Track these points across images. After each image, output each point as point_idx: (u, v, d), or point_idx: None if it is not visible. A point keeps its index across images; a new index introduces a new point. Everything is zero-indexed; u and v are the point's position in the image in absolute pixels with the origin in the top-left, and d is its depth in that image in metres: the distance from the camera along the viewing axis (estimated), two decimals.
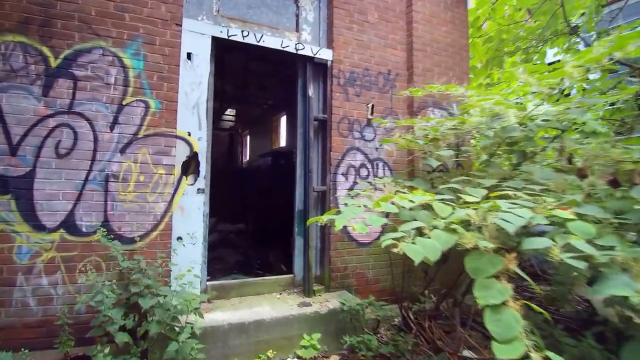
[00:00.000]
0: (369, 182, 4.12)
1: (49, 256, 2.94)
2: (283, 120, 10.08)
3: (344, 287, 4.05)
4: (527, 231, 2.29)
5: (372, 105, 4.34)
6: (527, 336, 1.70)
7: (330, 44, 4.29)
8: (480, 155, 4.68)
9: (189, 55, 3.59)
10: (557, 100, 3.46)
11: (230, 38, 3.79)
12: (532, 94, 4.02)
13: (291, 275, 4.15)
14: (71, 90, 3.07)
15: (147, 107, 3.29)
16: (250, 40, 3.88)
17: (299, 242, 4.18)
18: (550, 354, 1.69)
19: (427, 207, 2.60)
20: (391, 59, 4.56)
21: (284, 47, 4.04)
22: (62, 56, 3.05)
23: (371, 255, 4.22)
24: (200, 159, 3.58)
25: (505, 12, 6.55)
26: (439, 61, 4.79)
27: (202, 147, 3.60)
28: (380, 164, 4.41)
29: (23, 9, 2.96)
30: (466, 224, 2.26)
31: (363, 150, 4.32)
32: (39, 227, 2.92)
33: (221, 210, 7.25)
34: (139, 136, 3.26)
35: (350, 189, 4.16)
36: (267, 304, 3.57)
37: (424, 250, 2.01)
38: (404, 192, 2.61)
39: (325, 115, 4.23)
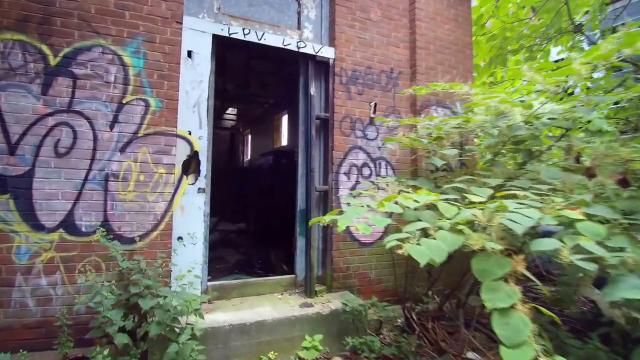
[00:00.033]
0: (371, 182, 4.07)
1: (48, 256, 2.91)
2: (284, 119, 10.02)
3: (346, 287, 4.01)
4: (533, 232, 2.24)
5: (375, 104, 4.30)
6: (535, 340, 1.65)
7: (332, 42, 4.24)
8: (484, 154, 4.63)
9: (189, 54, 3.56)
10: (561, 98, 3.41)
11: (231, 36, 3.75)
12: (536, 92, 3.97)
13: (293, 275, 4.12)
14: (70, 89, 3.04)
15: (147, 105, 3.26)
16: (252, 38, 3.84)
17: (300, 242, 4.14)
18: (559, 359, 1.65)
19: (431, 207, 2.55)
20: (394, 57, 4.51)
21: (285, 45, 4.00)
22: (61, 54, 3.02)
23: (373, 256, 4.18)
24: (200, 158, 3.55)
25: (509, 9, 6.50)
26: (442, 59, 4.74)
27: (203, 146, 3.57)
28: (383, 163, 4.36)
29: (22, 7, 2.93)
30: (471, 224, 2.21)
31: (365, 149, 4.27)
32: (38, 226, 2.90)
33: (222, 210, 7.22)
34: (139, 135, 3.22)
35: (353, 188, 4.12)
36: (268, 305, 3.54)
37: (430, 251, 1.97)
38: (408, 192, 2.57)
39: (327, 114, 4.19)
